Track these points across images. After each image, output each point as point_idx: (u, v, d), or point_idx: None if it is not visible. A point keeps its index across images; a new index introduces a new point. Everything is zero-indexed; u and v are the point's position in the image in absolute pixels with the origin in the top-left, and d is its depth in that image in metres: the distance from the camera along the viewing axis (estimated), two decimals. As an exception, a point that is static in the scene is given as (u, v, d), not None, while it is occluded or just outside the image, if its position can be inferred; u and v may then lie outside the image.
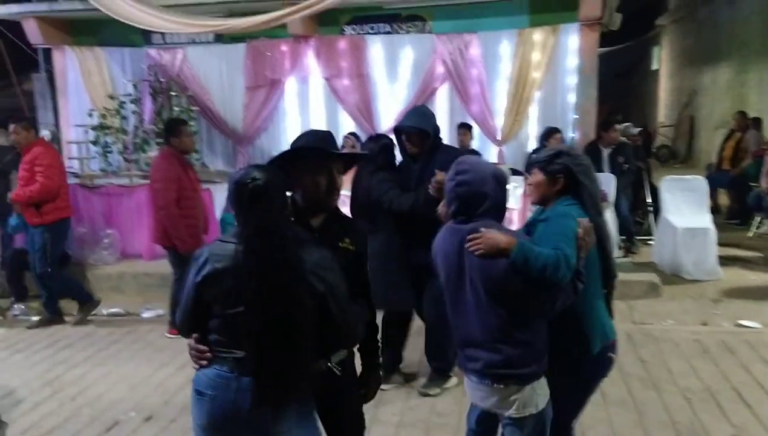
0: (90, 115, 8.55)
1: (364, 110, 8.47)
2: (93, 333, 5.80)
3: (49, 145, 6.00)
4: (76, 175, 8.00)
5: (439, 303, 4.05)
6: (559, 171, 2.65)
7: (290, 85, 8.76)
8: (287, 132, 8.70)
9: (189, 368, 4.77)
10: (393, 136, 4.30)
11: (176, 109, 8.30)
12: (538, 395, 2.55)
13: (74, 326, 5.89)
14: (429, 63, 8.23)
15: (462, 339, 2.64)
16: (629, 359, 4.77)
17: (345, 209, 3.21)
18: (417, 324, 4.57)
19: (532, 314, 2.50)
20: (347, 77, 8.47)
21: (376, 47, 8.40)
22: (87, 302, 6.08)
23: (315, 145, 2.46)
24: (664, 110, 17.61)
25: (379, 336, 2.76)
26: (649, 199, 7.78)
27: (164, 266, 6.88)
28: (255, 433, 2.25)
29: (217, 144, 9.13)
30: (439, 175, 3.76)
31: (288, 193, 2.34)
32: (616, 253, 5.90)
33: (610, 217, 6.09)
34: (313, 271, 2.17)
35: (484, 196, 2.52)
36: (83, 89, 9.07)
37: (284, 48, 8.60)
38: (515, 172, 6.97)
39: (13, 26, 8.95)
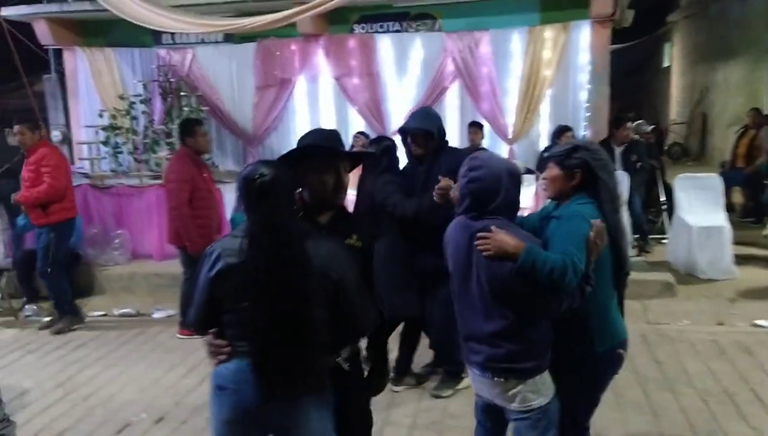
0: (100, 115, 8.58)
1: (374, 109, 8.44)
2: (104, 334, 5.80)
3: (54, 147, 5.98)
4: (86, 175, 8.03)
5: (446, 306, 4.01)
6: (576, 166, 2.59)
7: (300, 84, 8.74)
8: (297, 131, 8.66)
9: (200, 369, 4.85)
10: (395, 138, 4.26)
11: (186, 109, 8.30)
12: (540, 389, 2.53)
13: (52, 334, 5.76)
14: (439, 61, 8.18)
15: (466, 331, 2.64)
16: (644, 360, 4.71)
17: (350, 209, 3.18)
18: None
19: (537, 313, 2.49)
20: (357, 76, 8.44)
21: (385, 46, 8.37)
22: (72, 315, 5.93)
23: (322, 144, 2.46)
24: (675, 107, 17.47)
25: (385, 329, 2.75)
26: (662, 198, 7.70)
27: (175, 266, 6.87)
28: (275, 426, 2.27)
29: (226, 144, 9.13)
30: (443, 182, 3.71)
31: (296, 190, 2.34)
32: (630, 251, 5.84)
33: (623, 216, 6.03)
34: (323, 264, 2.18)
35: (496, 193, 2.50)
36: (93, 90, 9.09)
37: (294, 47, 8.58)
38: (528, 170, 6.92)
39: (24, 27, 8.97)
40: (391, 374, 4.39)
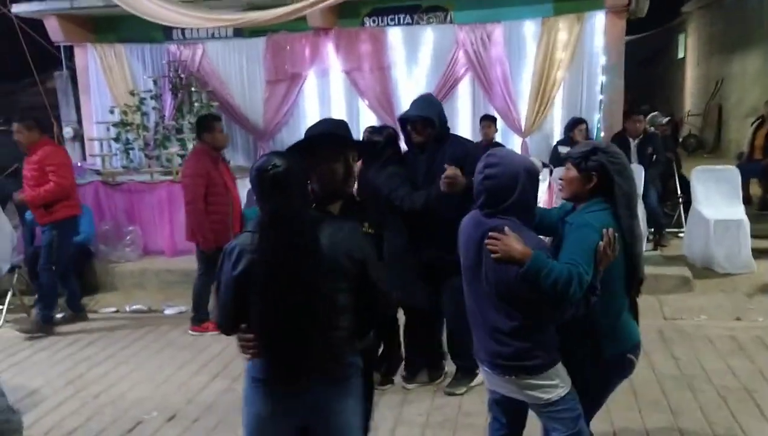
0: (111, 112, 8.58)
1: (385, 103, 8.37)
2: (115, 331, 5.79)
3: (56, 144, 5.92)
4: (98, 172, 8.03)
5: (457, 300, 3.94)
6: (593, 168, 2.55)
7: (310, 78, 8.69)
8: (307, 126, 8.58)
9: (211, 366, 4.83)
10: (394, 127, 4.19)
11: (196, 104, 8.28)
12: (555, 381, 2.52)
13: (19, 331, 5.67)
14: (451, 54, 8.10)
15: (475, 326, 2.65)
16: (661, 357, 4.62)
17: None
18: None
19: (542, 318, 2.49)
20: (367, 70, 8.38)
21: (396, 39, 8.30)
22: (48, 323, 5.73)
23: (330, 133, 2.48)
24: (690, 99, 17.26)
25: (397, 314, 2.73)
26: (678, 191, 7.58)
27: (186, 263, 6.89)
28: (304, 418, 2.28)
29: (237, 139, 9.09)
30: (450, 170, 3.65)
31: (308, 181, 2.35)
32: (645, 246, 5.75)
33: (639, 209, 5.94)
34: (345, 245, 2.20)
35: (511, 191, 2.47)
36: (105, 86, 9.10)
37: (304, 41, 8.52)
38: (543, 164, 6.85)
39: (36, 24, 8.97)
40: (403, 372, 4.36)
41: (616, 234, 2.45)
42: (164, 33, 8.91)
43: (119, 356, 5.20)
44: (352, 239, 2.23)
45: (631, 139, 7.03)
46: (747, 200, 8.25)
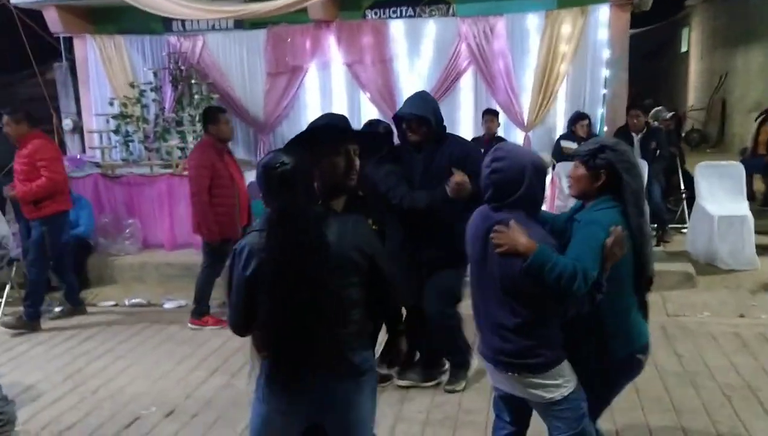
0: (111, 104, 8.51)
1: (387, 96, 8.30)
2: (114, 324, 5.76)
3: (48, 138, 5.75)
4: (97, 164, 7.99)
5: (440, 298, 3.90)
6: (601, 166, 2.54)
7: (311, 71, 8.61)
8: (308, 119, 8.49)
9: (211, 361, 4.80)
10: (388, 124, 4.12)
11: (196, 97, 8.22)
12: (558, 381, 2.50)
13: (2, 326, 5.58)
14: (453, 47, 8.02)
15: (481, 322, 2.63)
16: (664, 354, 4.59)
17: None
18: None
19: (547, 314, 2.47)
20: (369, 63, 8.29)
21: (398, 32, 8.21)
22: (32, 320, 5.64)
23: (329, 125, 2.47)
24: (693, 93, 17.18)
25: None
26: (682, 186, 7.53)
27: (186, 256, 6.88)
28: (316, 415, 2.29)
29: (237, 132, 8.93)
30: (458, 176, 3.60)
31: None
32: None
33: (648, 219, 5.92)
34: (355, 239, 2.21)
35: (518, 185, 2.46)
36: (104, 78, 9.01)
37: (305, 33, 8.43)
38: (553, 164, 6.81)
39: (35, 15, 8.90)
40: (396, 368, 4.30)
41: (625, 232, 2.43)
42: (164, 24, 8.84)
43: (118, 350, 5.17)
44: (360, 234, 2.25)
45: (634, 134, 6.98)
46: (750, 196, 8.20)
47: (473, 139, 7.60)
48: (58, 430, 3.91)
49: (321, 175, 2.39)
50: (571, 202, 2.78)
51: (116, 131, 8.46)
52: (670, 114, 8.84)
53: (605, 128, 7.75)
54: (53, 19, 8.75)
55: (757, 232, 6.53)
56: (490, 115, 7.49)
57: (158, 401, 4.22)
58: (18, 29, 8.67)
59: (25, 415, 4.03)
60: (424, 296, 3.96)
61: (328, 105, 8.54)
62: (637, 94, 12.24)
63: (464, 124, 8.22)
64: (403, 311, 4.13)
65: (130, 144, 8.51)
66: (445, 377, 4.26)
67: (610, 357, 2.56)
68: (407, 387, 4.21)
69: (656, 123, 7.82)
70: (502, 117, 7.83)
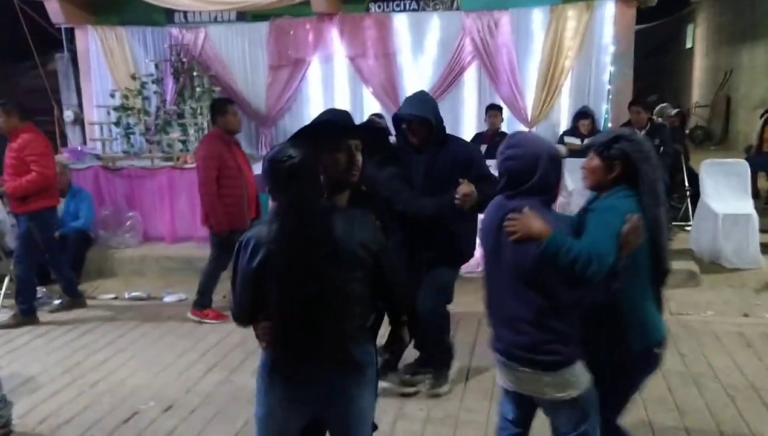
0: (112, 95, 8.46)
1: (390, 91, 8.25)
2: (114, 318, 5.73)
3: (38, 132, 5.60)
4: (98, 156, 7.95)
5: (434, 295, 3.86)
6: (616, 157, 2.51)
7: (314, 64, 8.56)
8: (311, 112, 8.50)
9: (210, 355, 4.76)
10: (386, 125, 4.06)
11: (198, 89, 8.16)
12: (570, 381, 2.45)
13: None
14: (457, 41, 7.96)
15: (492, 313, 2.60)
16: (667, 353, 4.37)
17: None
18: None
19: (561, 303, 2.42)
20: (372, 56, 8.24)
21: (401, 25, 8.15)
22: (27, 315, 5.60)
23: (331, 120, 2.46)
24: (698, 90, 17.11)
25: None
26: (686, 184, 7.47)
27: (186, 250, 6.86)
28: (318, 408, 2.30)
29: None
30: (465, 188, 3.57)
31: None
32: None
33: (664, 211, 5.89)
34: (361, 234, 2.21)
35: (531, 173, 2.44)
36: (106, 69, 8.97)
37: (308, 26, 8.38)
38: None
39: (36, 6, 8.84)
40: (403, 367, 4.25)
41: (642, 221, 2.39)
42: (166, 16, 8.78)
43: (117, 343, 5.14)
44: (366, 230, 2.25)
45: (637, 131, 6.92)
46: (755, 194, 8.16)
47: (476, 135, 7.57)
48: (56, 424, 3.88)
49: (324, 171, 2.37)
50: (575, 199, 2.75)
51: (117, 123, 8.41)
52: (675, 111, 8.79)
53: (609, 124, 7.70)
54: (55, 10, 8.69)
55: (762, 230, 6.47)
56: (493, 110, 7.45)
57: (157, 396, 4.19)
58: (20, 20, 8.62)
59: (24, 408, 4.01)
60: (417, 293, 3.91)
61: (331, 99, 8.50)
62: (642, 90, 12.17)
63: (467, 120, 8.18)
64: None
65: (131, 136, 8.46)
66: (423, 387, 4.11)
67: (626, 349, 2.52)
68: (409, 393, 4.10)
69: (660, 120, 7.76)
70: (506, 112, 7.79)
